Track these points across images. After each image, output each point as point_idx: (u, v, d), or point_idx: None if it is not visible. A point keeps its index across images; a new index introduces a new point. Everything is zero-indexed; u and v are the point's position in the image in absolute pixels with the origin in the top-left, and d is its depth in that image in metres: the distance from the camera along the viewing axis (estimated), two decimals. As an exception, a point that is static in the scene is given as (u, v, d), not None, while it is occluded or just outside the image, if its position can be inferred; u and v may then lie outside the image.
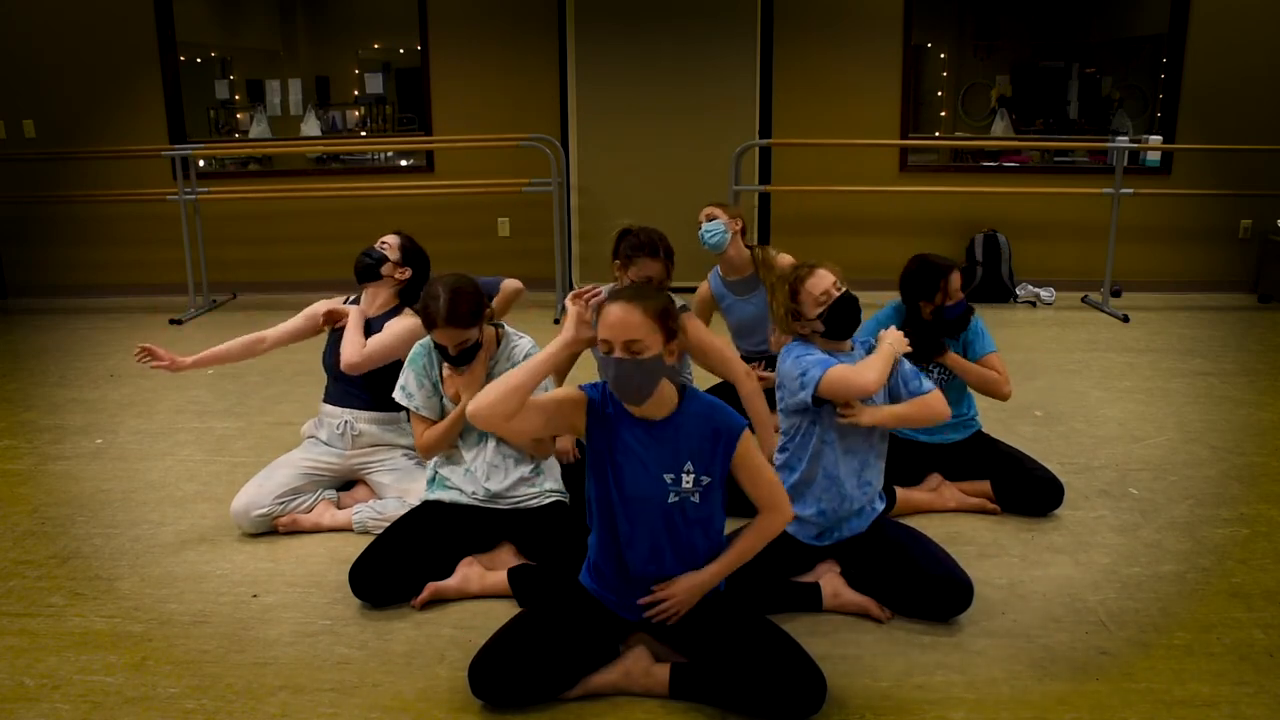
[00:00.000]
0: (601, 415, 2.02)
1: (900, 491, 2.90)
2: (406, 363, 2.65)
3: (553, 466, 2.68)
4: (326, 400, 3.03)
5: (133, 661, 2.19)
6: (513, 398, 1.95)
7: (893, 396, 2.43)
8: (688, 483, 1.99)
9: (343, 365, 2.86)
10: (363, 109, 7.18)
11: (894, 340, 2.41)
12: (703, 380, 3.26)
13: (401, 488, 2.91)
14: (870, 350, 2.44)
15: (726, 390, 3.03)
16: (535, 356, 2.04)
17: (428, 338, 2.58)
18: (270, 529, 2.83)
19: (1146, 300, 6.06)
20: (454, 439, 2.61)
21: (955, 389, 2.99)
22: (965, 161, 6.78)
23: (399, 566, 2.44)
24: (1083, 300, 6.06)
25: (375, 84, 7.04)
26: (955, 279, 2.88)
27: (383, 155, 7.02)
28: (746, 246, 3.43)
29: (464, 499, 2.59)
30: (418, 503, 2.72)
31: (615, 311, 1.91)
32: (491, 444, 2.59)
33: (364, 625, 2.34)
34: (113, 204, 6.31)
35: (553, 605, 2.13)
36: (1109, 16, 7.06)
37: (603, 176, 6.32)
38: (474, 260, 5.36)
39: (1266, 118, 5.95)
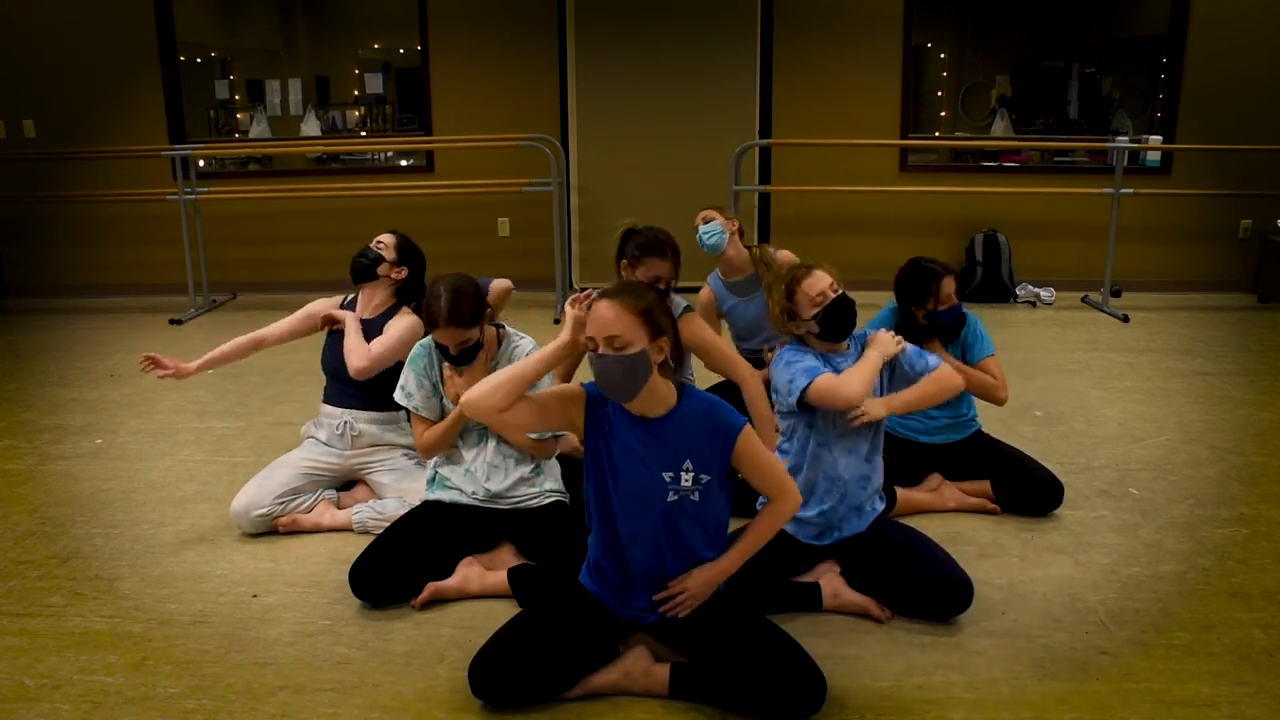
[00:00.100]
0: (600, 413, 2.03)
1: (900, 491, 2.90)
2: (407, 363, 2.65)
3: (553, 466, 2.68)
4: (326, 401, 3.03)
5: (133, 661, 2.19)
6: (505, 391, 1.97)
7: (904, 384, 2.43)
8: (687, 481, 1.99)
9: (352, 372, 2.86)
10: (363, 109, 7.18)
11: (884, 343, 2.41)
12: (704, 380, 3.27)
13: (401, 488, 2.91)
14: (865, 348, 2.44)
15: (728, 390, 3.03)
16: (533, 354, 2.05)
17: (428, 338, 2.58)
18: (270, 529, 2.83)
19: (1146, 300, 6.06)
20: (454, 439, 2.61)
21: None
22: (965, 161, 6.78)
23: (399, 566, 2.44)
24: (1083, 300, 6.06)
25: (375, 84, 7.04)
26: (948, 284, 2.86)
27: (383, 155, 7.02)
28: (745, 246, 3.43)
29: (464, 499, 2.59)
30: (418, 503, 2.72)
31: (599, 308, 1.93)
32: (492, 444, 2.59)
33: (364, 625, 2.34)
34: (113, 204, 6.31)
35: (553, 605, 2.13)
36: (1109, 16, 7.06)
37: (603, 176, 6.32)
38: (474, 260, 5.35)
39: (1266, 118, 5.95)
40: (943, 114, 7.19)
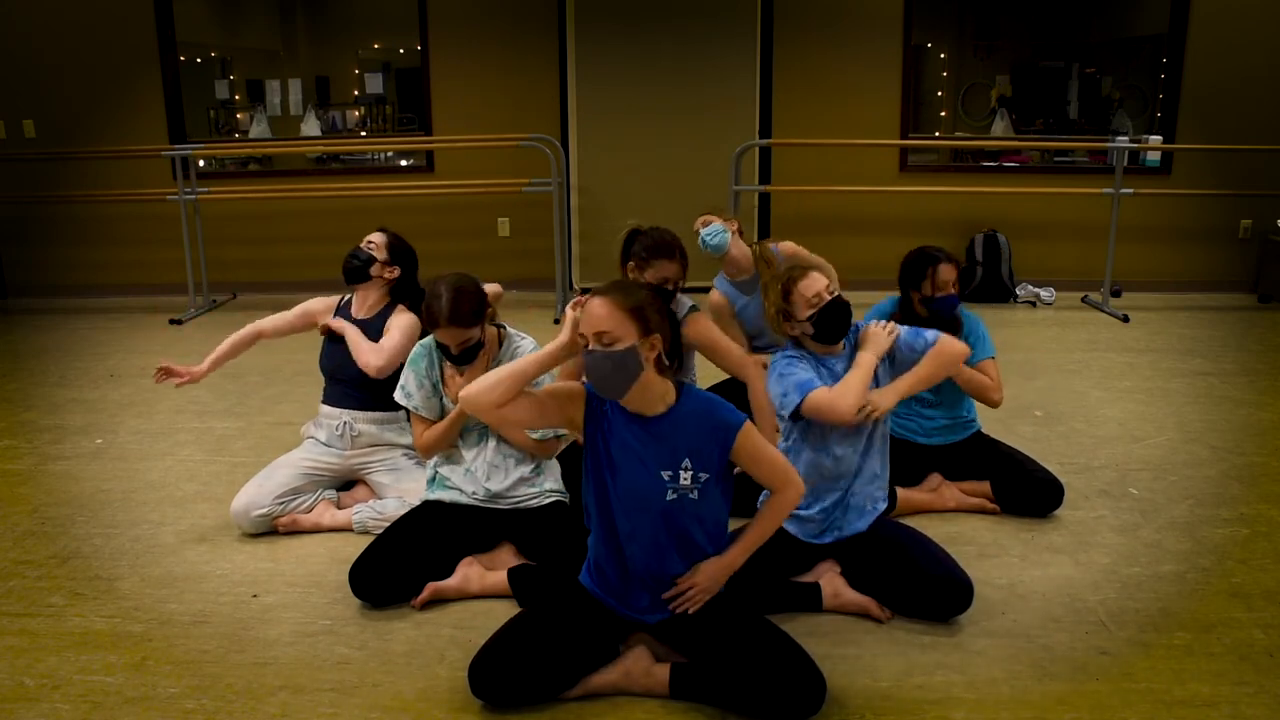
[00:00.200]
0: (599, 411, 2.03)
1: (900, 491, 2.90)
2: (407, 363, 2.65)
3: (553, 466, 2.68)
4: (325, 401, 3.03)
5: (133, 661, 2.19)
6: (504, 386, 1.98)
7: (908, 367, 2.42)
8: (685, 479, 1.99)
9: (372, 372, 2.84)
10: (363, 109, 7.18)
11: (875, 339, 2.39)
12: (705, 382, 3.26)
13: (401, 488, 2.91)
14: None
15: (730, 390, 3.03)
16: (533, 353, 2.06)
17: (429, 338, 2.58)
18: (270, 529, 2.83)
19: (1146, 300, 6.06)
20: (453, 439, 2.61)
21: (955, 390, 2.99)
22: (965, 161, 6.78)
23: (399, 566, 2.44)
24: (1083, 300, 6.06)
25: (375, 84, 7.04)
26: (945, 270, 2.88)
27: (383, 155, 7.02)
28: (746, 245, 3.42)
29: (464, 499, 2.59)
30: (418, 503, 2.72)
31: (591, 305, 1.94)
32: (492, 444, 2.59)
33: (364, 625, 2.34)
34: (113, 204, 6.30)
35: (553, 605, 2.13)
36: (1109, 16, 7.06)
37: (603, 176, 6.32)
38: (474, 260, 5.35)
39: (1266, 118, 5.95)
40: (943, 114, 7.19)
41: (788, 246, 3.35)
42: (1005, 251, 6.15)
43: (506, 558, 2.54)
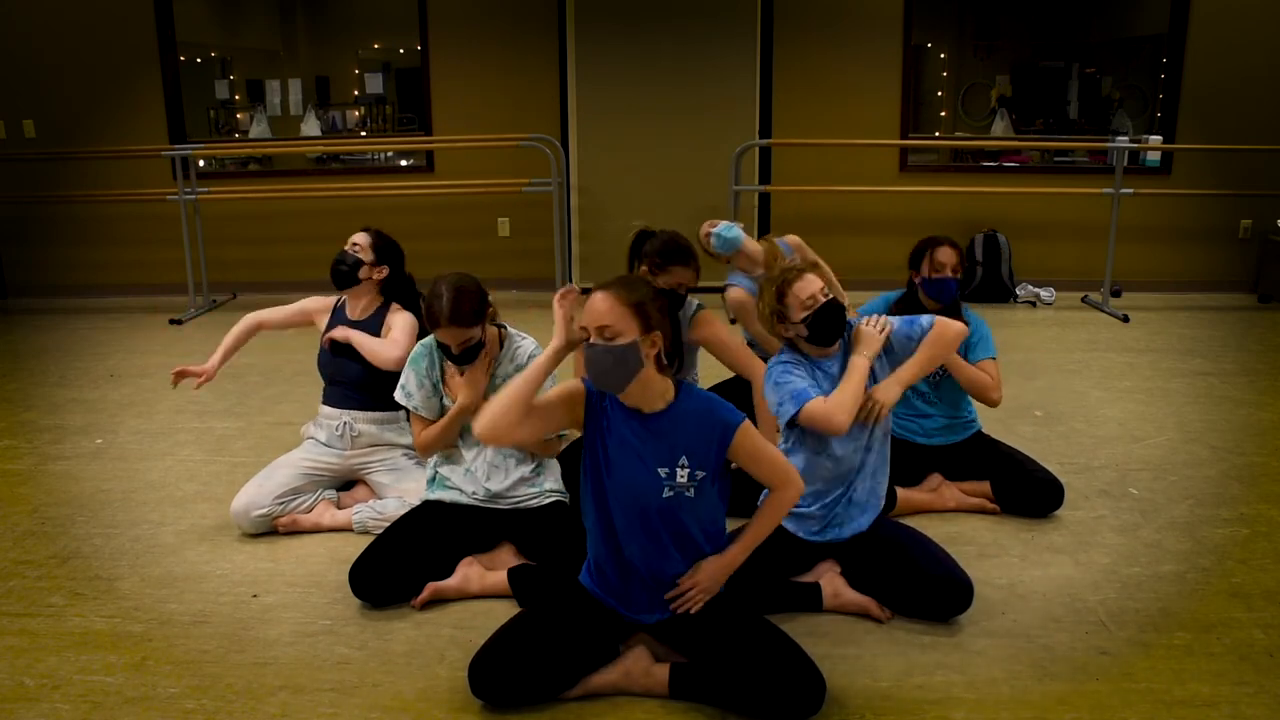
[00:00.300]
0: (598, 408, 2.03)
1: (900, 491, 2.90)
2: (408, 363, 2.65)
3: (553, 466, 2.68)
4: (325, 402, 3.03)
5: (133, 661, 2.19)
6: (515, 408, 1.97)
7: (908, 356, 2.42)
8: (682, 477, 1.99)
9: (391, 365, 2.82)
10: (363, 109, 7.18)
11: (868, 340, 2.38)
12: (707, 382, 3.26)
13: (401, 488, 2.91)
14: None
15: (731, 390, 3.03)
16: (530, 365, 2.04)
17: (430, 337, 2.58)
18: (270, 529, 2.83)
19: (1146, 300, 6.06)
20: (451, 438, 2.61)
21: (955, 390, 2.99)
22: (965, 161, 6.78)
23: (399, 566, 2.44)
24: (1083, 300, 6.06)
25: (375, 84, 7.04)
26: (942, 252, 2.91)
27: (383, 155, 7.02)
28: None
29: (464, 499, 2.59)
30: (418, 503, 2.72)
31: (593, 299, 1.96)
32: (492, 444, 2.59)
33: (364, 625, 2.34)
34: (113, 204, 6.31)
35: (553, 605, 2.13)
36: (1109, 16, 7.06)
37: (603, 176, 6.32)
38: (474, 260, 5.35)
39: (1266, 118, 5.95)
40: (943, 114, 7.19)
41: (793, 239, 3.37)
42: (1005, 251, 6.15)
43: (506, 558, 2.54)
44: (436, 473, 2.65)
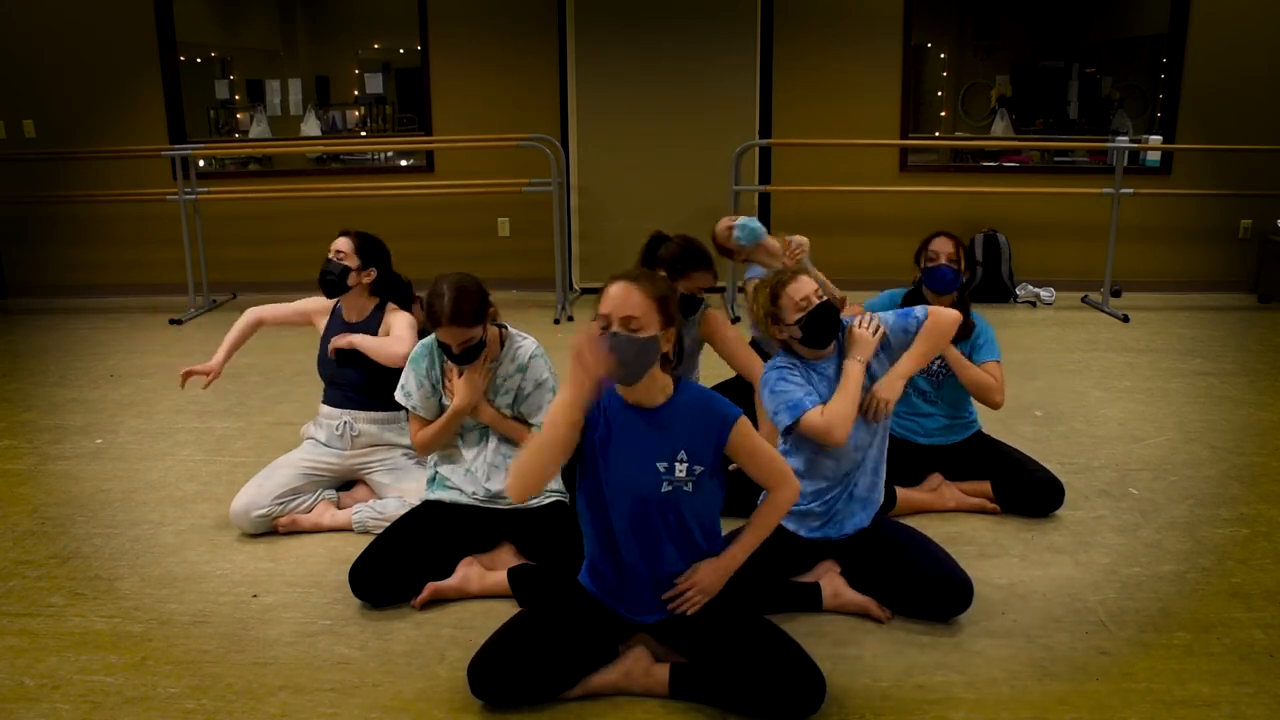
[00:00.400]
0: (596, 408, 2.03)
1: (900, 491, 2.90)
2: (408, 363, 2.65)
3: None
4: (325, 402, 3.04)
5: (133, 661, 2.19)
6: (550, 462, 1.94)
7: (906, 348, 2.42)
8: (680, 471, 1.99)
9: (400, 364, 2.77)
10: (363, 109, 7.18)
11: (861, 343, 2.38)
12: (709, 380, 3.27)
13: (401, 488, 2.91)
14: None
15: (733, 390, 3.03)
16: (548, 424, 1.94)
17: (430, 337, 2.58)
18: (270, 529, 2.83)
19: (1146, 300, 6.06)
20: (449, 438, 2.61)
21: (955, 390, 2.99)
22: (965, 161, 6.78)
23: (399, 566, 2.44)
24: (1083, 300, 6.06)
25: (375, 84, 7.04)
26: (937, 242, 2.98)
27: (383, 155, 7.02)
28: None
29: (464, 499, 2.59)
30: (418, 502, 2.72)
31: (615, 289, 1.94)
32: (492, 444, 2.59)
33: (364, 625, 2.34)
34: (113, 204, 6.31)
35: (553, 605, 2.13)
36: (1109, 16, 7.06)
37: (603, 176, 6.32)
38: (474, 260, 5.35)
39: (1266, 118, 5.95)
40: (943, 114, 7.19)
41: (797, 239, 3.37)
42: (1005, 251, 6.15)
43: (506, 558, 2.54)
44: (436, 473, 2.65)
